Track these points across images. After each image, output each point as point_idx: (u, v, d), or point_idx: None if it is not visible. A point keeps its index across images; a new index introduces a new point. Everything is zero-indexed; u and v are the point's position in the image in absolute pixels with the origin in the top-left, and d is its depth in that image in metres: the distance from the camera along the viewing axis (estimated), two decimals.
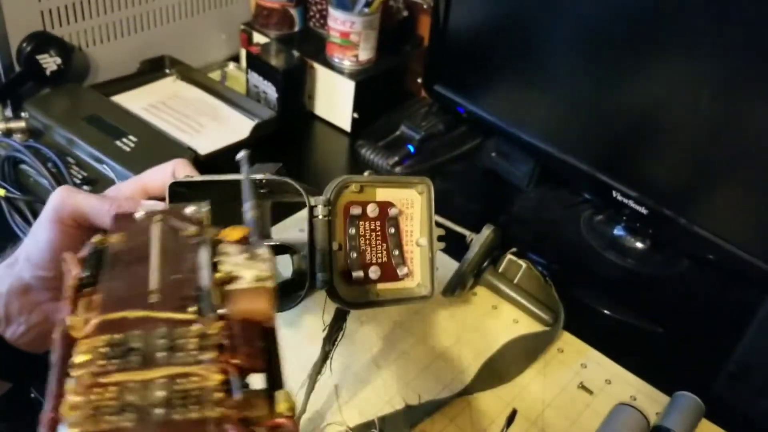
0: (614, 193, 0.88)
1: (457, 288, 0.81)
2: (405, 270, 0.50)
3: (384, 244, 0.50)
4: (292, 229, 0.72)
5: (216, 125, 1.01)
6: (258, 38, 1.20)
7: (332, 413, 0.70)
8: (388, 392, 0.73)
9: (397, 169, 1.06)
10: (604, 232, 0.98)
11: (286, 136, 1.09)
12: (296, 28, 1.22)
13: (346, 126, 1.16)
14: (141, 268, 0.28)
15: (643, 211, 0.86)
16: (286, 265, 0.54)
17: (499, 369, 0.76)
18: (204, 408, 0.22)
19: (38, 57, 0.92)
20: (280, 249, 0.52)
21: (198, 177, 0.48)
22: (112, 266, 0.29)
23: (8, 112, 0.93)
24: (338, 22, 1.09)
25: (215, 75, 1.21)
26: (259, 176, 0.46)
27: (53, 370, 0.24)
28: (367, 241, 0.49)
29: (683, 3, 0.76)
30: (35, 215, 0.84)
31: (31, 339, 0.51)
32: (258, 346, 0.26)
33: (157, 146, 0.89)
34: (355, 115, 1.14)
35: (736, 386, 0.76)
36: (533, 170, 1.04)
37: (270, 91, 1.10)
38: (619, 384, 0.77)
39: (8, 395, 0.52)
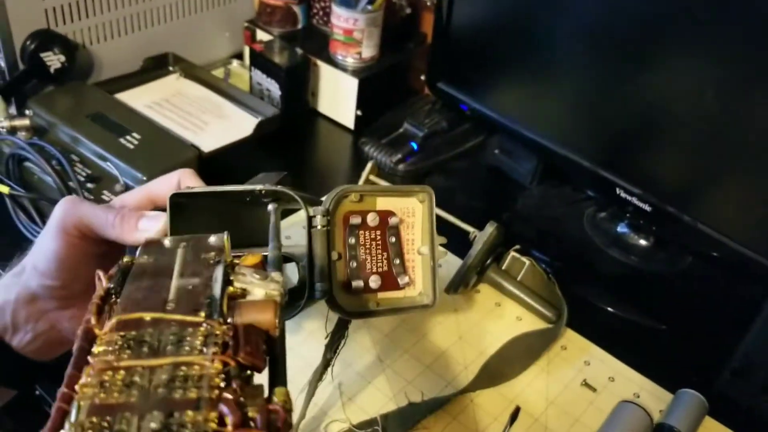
0: (618, 190, 0.88)
1: (460, 285, 0.81)
2: (406, 279, 0.50)
3: (384, 253, 0.50)
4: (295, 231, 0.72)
5: (219, 123, 1.01)
6: (261, 36, 1.20)
7: (335, 410, 0.70)
8: (391, 389, 0.73)
9: (401, 167, 1.06)
10: (607, 230, 0.98)
11: (290, 134, 1.09)
12: (299, 26, 1.22)
13: (350, 123, 1.16)
14: (161, 282, 0.30)
15: (647, 208, 0.86)
16: (293, 273, 0.54)
17: (502, 366, 0.76)
18: (202, 390, 0.24)
19: (42, 55, 0.92)
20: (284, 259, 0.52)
21: (198, 188, 0.48)
22: (136, 279, 0.31)
23: (12, 110, 0.93)
24: (341, 19, 1.09)
25: (219, 72, 1.21)
26: (258, 187, 0.45)
27: (72, 358, 0.26)
28: (368, 251, 0.49)
29: (688, 3, 0.76)
30: (39, 213, 0.84)
31: (37, 347, 0.51)
32: (261, 348, 0.27)
33: (161, 144, 0.89)
34: (359, 113, 1.14)
35: (740, 383, 0.75)
36: (536, 167, 1.04)
37: (273, 88, 1.10)
38: (622, 381, 0.77)
39: (15, 397, 0.52)
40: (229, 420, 0.23)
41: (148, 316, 0.27)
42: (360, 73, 1.13)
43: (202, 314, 0.27)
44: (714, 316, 0.89)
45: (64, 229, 0.48)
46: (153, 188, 0.53)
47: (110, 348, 0.26)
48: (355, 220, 0.48)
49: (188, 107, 1.03)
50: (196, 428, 0.22)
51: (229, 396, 0.24)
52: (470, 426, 0.70)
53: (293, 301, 0.47)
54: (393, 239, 0.50)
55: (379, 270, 0.49)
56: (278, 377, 0.29)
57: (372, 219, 0.49)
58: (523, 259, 0.84)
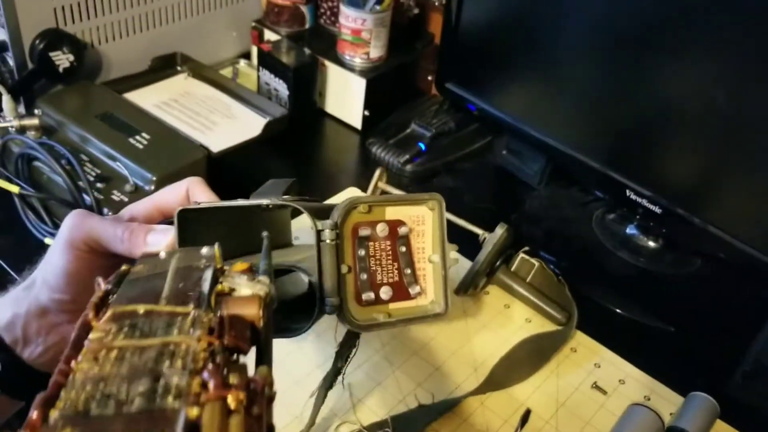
0: (628, 192, 0.87)
1: (469, 287, 0.81)
2: (417, 288, 0.50)
3: (395, 264, 0.49)
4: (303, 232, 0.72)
5: (228, 123, 1.01)
6: (269, 35, 1.20)
7: (345, 412, 0.70)
8: (402, 391, 0.73)
9: (408, 167, 1.06)
10: (616, 231, 0.98)
11: (297, 134, 1.09)
12: (307, 26, 1.22)
13: (357, 124, 1.16)
14: (155, 283, 0.32)
15: (657, 210, 0.85)
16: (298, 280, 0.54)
17: (512, 369, 0.76)
18: (187, 361, 0.25)
19: (51, 54, 0.92)
20: (290, 270, 0.51)
21: (205, 204, 0.47)
22: (132, 282, 0.34)
23: (21, 109, 0.93)
24: (350, 19, 1.09)
25: (226, 72, 1.21)
26: (265, 202, 0.45)
27: (70, 342, 0.28)
28: (378, 262, 0.48)
29: (697, 3, 0.76)
30: (49, 212, 0.84)
31: (48, 359, 0.51)
32: (245, 335, 0.29)
33: (171, 144, 0.89)
34: (366, 113, 1.14)
35: (751, 386, 0.75)
36: (544, 168, 1.04)
37: (281, 88, 1.10)
38: (632, 384, 0.77)
39: (23, 408, 0.52)
40: (211, 384, 0.24)
41: (141, 309, 0.29)
42: (368, 73, 1.13)
43: (191, 306, 0.29)
44: (725, 319, 0.88)
45: (72, 243, 0.48)
46: (161, 198, 0.53)
47: (105, 333, 0.28)
48: (365, 231, 0.47)
49: (196, 107, 1.03)
50: (179, 391, 0.24)
51: (211, 365, 0.25)
52: (481, 428, 0.70)
53: (303, 314, 0.46)
54: (403, 249, 0.50)
55: (390, 281, 0.49)
56: (263, 362, 0.31)
57: (381, 230, 0.48)
58: (533, 260, 0.84)
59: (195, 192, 0.51)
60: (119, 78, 1.05)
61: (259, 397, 0.25)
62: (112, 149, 0.85)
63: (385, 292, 0.48)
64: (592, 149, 0.91)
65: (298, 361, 0.73)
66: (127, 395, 0.24)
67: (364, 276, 0.47)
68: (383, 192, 0.95)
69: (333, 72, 1.15)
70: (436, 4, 1.19)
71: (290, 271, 0.49)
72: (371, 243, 0.48)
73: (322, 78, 1.16)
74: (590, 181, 1.00)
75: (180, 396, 0.24)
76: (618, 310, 0.87)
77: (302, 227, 0.68)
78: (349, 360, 0.58)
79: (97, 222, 0.48)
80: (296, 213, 0.51)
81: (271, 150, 1.05)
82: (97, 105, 0.93)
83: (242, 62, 1.25)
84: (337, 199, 0.97)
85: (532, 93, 0.99)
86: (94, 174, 0.83)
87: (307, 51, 1.11)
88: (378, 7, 1.08)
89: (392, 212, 0.49)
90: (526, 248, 0.85)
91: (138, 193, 0.82)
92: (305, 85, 1.12)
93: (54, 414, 0.23)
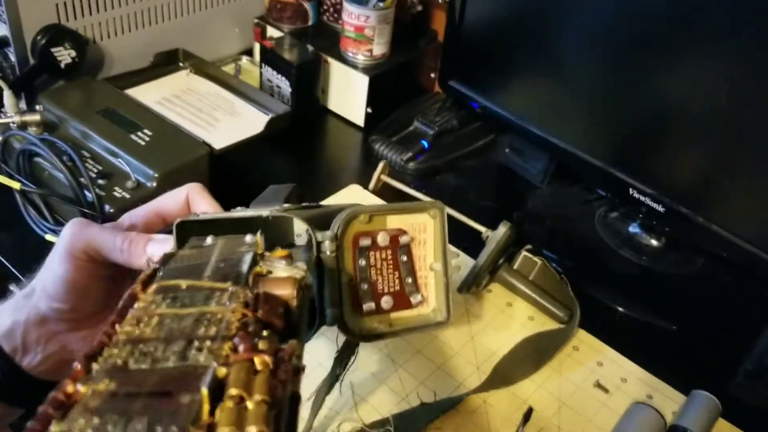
0: (631, 191, 0.87)
1: (472, 285, 0.80)
2: (419, 297, 0.49)
3: (396, 273, 0.49)
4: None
5: (230, 119, 1.01)
6: (271, 32, 1.20)
7: (347, 410, 0.69)
8: (404, 389, 0.72)
9: (411, 165, 1.05)
10: (619, 230, 0.97)
11: (300, 131, 1.09)
12: (310, 22, 1.22)
13: (360, 121, 1.16)
14: (199, 264, 0.35)
15: (660, 209, 0.85)
16: None
17: (514, 367, 0.76)
18: (220, 327, 0.28)
19: (53, 50, 0.92)
20: None
21: (204, 216, 0.47)
22: (178, 262, 0.36)
23: (23, 105, 0.92)
24: (353, 16, 1.09)
25: (228, 69, 1.21)
26: (265, 213, 0.45)
27: (117, 310, 0.30)
28: (379, 271, 0.48)
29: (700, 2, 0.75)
30: (50, 209, 0.84)
31: (47, 368, 0.51)
32: (278, 311, 0.30)
33: (173, 141, 0.89)
34: (369, 110, 1.14)
35: (753, 385, 0.75)
36: (547, 166, 1.04)
37: (284, 85, 1.09)
38: (635, 382, 0.77)
39: (22, 416, 0.52)
40: (240, 348, 0.26)
41: (184, 284, 0.32)
42: (371, 70, 1.12)
43: (230, 283, 0.31)
44: (727, 318, 0.88)
45: (72, 253, 0.47)
46: (161, 205, 0.52)
47: (148, 303, 0.30)
48: (365, 241, 0.46)
49: (199, 103, 1.03)
50: (210, 352, 0.26)
51: (242, 333, 0.27)
52: (483, 426, 0.70)
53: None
54: (404, 258, 0.49)
55: (391, 290, 0.48)
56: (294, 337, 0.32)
57: (382, 239, 0.47)
58: (535, 258, 0.84)
59: (195, 198, 0.51)
60: (121, 74, 1.05)
61: (286, 364, 0.26)
62: (114, 145, 0.84)
63: (386, 302, 0.48)
64: (595, 148, 0.91)
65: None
66: (163, 354, 0.26)
67: (365, 286, 0.47)
68: (386, 185, 0.95)
69: (336, 69, 1.14)
70: (440, 1, 1.18)
71: None
72: (372, 252, 0.47)
73: (324, 75, 1.15)
74: (593, 180, 1.00)
75: (211, 356, 0.26)
76: (620, 309, 0.87)
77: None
78: (347, 367, 0.58)
79: (97, 231, 0.48)
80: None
81: (274, 147, 1.05)
82: (99, 101, 0.93)
83: (244, 59, 1.25)
84: (339, 197, 0.98)
85: (535, 91, 0.98)
86: (95, 170, 0.83)
87: (310, 48, 1.11)
88: (381, 4, 1.08)
89: (393, 221, 0.48)
90: (529, 246, 0.85)
91: (140, 190, 0.82)
92: (308, 82, 1.12)
93: (95, 366, 0.26)
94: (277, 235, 0.47)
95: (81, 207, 0.79)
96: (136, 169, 0.83)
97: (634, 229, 0.96)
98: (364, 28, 1.09)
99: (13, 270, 0.82)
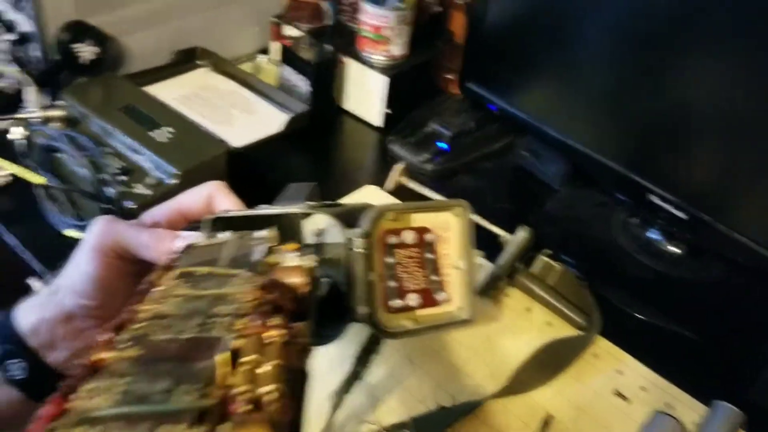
0: (650, 196, 0.87)
1: (490, 289, 0.80)
2: (444, 295, 0.49)
3: (422, 271, 0.49)
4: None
5: (249, 118, 1.01)
6: (289, 31, 1.20)
7: (365, 412, 0.69)
8: (422, 392, 0.72)
9: (428, 166, 1.05)
10: (637, 235, 0.97)
11: (316, 131, 1.09)
12: (327, 22, 1.21)
13: (377, 121, 1.15)
14: (215, 253, 0.38)
15: (680, 215, 0.85)
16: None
17: (534, 373, 0.76)
18: (236, 308, 0.30)
19: (75, 46, 0.92)
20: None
21: (233, 213, 0.47)
22: (196, 252, 0.39)
23: (45, 101, 0.93)
24: (371, 16, 1.09)
25: (245, 67, 1.21)
26: (294, 210, 0.45)
27: (138, 293, 0.32)
28: (405, 269, 0.48)
29: (721, 2, 0.75)
30: (71, 204, 0.84)
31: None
32: (289, 296, 0.33)
33: (193, 138, 0.89)
34: (388, 111, 1.13)
35: None
36: (565, 169, 1.03)
37: (301, 84, 1.09)
38: (655, 391, 0.76)
39: None
40: (254, 324, 0.28)
41: (201, 270, 0.35)
42: (388, 71, 1.12)
43: (244, 270, 0.34)
44: (749, 326, 0.88)
45: (100, 250, 0.47)
46: (184, 203, 0.52)
47: (168, 287, 0.33)
48: (392, 239, 0.47)
49: (217, 101, 1.03)
50: (226, 326, 0.28)
51: (256, 311, 0.30)
52: None
53: (329, 320, 0.46)
54: (429, 256, 0.49)
55: (417, 288, 0.49)
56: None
57: (408, 237, 0.48)
58: (554, 263, 0.84)
59: (217, 196, 0.51)
60: (141, 71, 1.05)
61: (296, 340, 0.29)
62: (135, 142, 0.84)
63: (412, 299, 0.48)
64: (614, 152, 0.91)
65: (317, 356, 0.73)
66: (183, 327, 0.29)
67: (392, 283, 0.47)
68: (402, 187, 0.95)
69: (353, 69, 1.14)
70: (459, 2, 1.18)
71: None
72: (399, 250, 0.48)
73: (341, 75, 1.15)
74: (612, 184, 1.00)
75: (226, 330, 0.28)
76: (639, 316, 0.87)
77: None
78: (368, 366, 0.58)
79: (124, 228, 0.48)
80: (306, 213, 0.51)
81: (291, 146, 1.05)
82: (121, 97, 0.92)
83: (261, 57, 1.25)
84: (355, 198, 0.98)
85: (554, 94, 0.98)
86: (116, 167, 0.83)
87: (328, 47, 1.11)
88: (400, 5, 1.08)
89: (418, 219, 0.49)
90: (548, 251, 0.85)
91: (160, 187, 0.82)
92: (326, 81, 1.12)
93: (120, 337, 0.28)
94: (285, 234, 0.47)
95: (102, 203, 0.79)
96: (156, 166, 0.83)
97: (653, 234, 0.96)
98: (382, 28, 1.09)
99: (32, 265, 0.82)
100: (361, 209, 0.50)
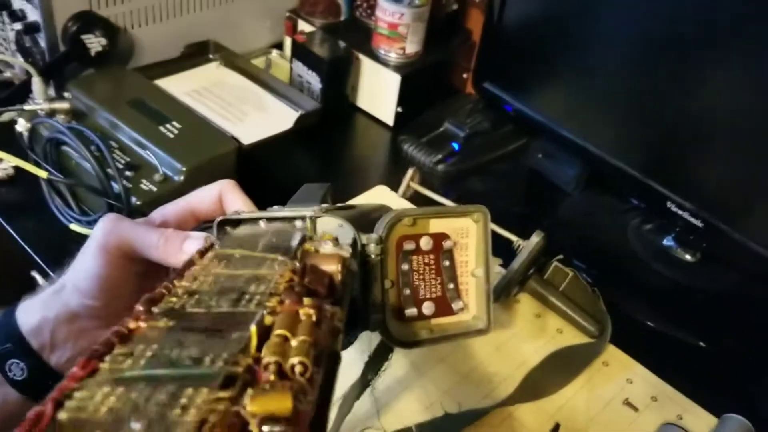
0: (668, 204, 0.85)
1: (501, 295, 0.79)
2: (460, 304, 0.48)
3: (438, 278, 0.47)
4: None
5: (259, 114, 1.00)
6: (303, 26, 1.18)
7: (370, 417, 0.68)
8: (428, 398, 0.71)
9: (440, 167, 1.03)
10: (652, 242, 0.95)
11: (328, 128, 1.07)
12: (342, 17, 1.20)
13: (389, 120, 1.14)
14: (253, 239, 0.39)
15: (698, 223, 0.83)
16: None
17: (542, 380, 0.74)
18: (269, 286, 0.31)
19: (83, 37, 0.91)
20: None
21: (245, 214, 0.46)
22: (233, 238, 0.40)
23: (51, 92, 0.91)
24: (387, 13, 1.07)
25: (258, 62, 1.19)
26: (307, 213, 0.43)
27: (178, 270, 0.34)
28: (421, 276, 0.46)
29: (746, 5, 0.73)
30: (75, 198, 0.83)
31: None
32: (323, 282, 0.32)
33: (201, 134, 0.87)
34: (399, 109, 1.12)
35: None
36: (580, 174, 1.01)
37: (314, 81, 1.08)
38: (665, 402, 0.74)
39: None
40: (287, 301, 0.29)
41: (238, 253, 0.36)
42: (402, 68, 1.10)
43: (279, 254, 0.34)
44: (762, 338, 0.86)
45: (105, 249, 0.46)
46: (194, 202, 0.51)
47: (206, 266, 0.35)
48: (409, 245, 0.45)
49: (228, 97, 1.02)
50: (259, 302, 0.29)
51: (289, 290, 0.30)
52: None
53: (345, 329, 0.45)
54: (447, 263, 0.48)
55: (433, 296, 0.47)
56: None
57: (425, 243, 0.46)
58: (566, 269, 0.82)
59: (228, 195, 0.50)
60: (151, 64, 1.03)
61: (328, 321, 0.29)
62: (142, 137, 0.83)
63: (427, 308, 0.46)
64: (632, 157, 0.89)
65: None
66: (216, 303, 0.30)
67: (407, 291, 0.46)
68: (415, 192, 0.94)
69: (367, 66, 1.13)
70: (477, 0, 1.16)
71: None
72: (415, 257, 0.46)
73: (355, 72, 1.14)
74: (628, 190, 0.97)
75: (260, 306, 0.29)
76: (651, 324, 0.85)
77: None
78: (380, 373, 0.56)
79: (132, 227, 0.47)
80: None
81: (301, 143, 1.03)
82: (129, 91, 0.91)
83: (274, 52, 1.23)
84: (366, 197, 0.96)
85: (571, 96, 0.96)
86: (123, 162, 0.81)
87: (341, 44, 1.09)
88: (417, 2, 1.06)
89: (436, 225, 0.47)
90: (560, 257, 0.83)
91: (167, 183, 0.80)
92: (338, 78, 1.10)
93: (155, 310, 0.29)
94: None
95: (107, 198, 0.78)
96: (163, 162, 0.82)
97: (668, 242, 0.94)
98: (398, 25, 1.07)
99: (37, 258, 0.82)
100: (375, 212, 0.48)
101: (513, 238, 0.80)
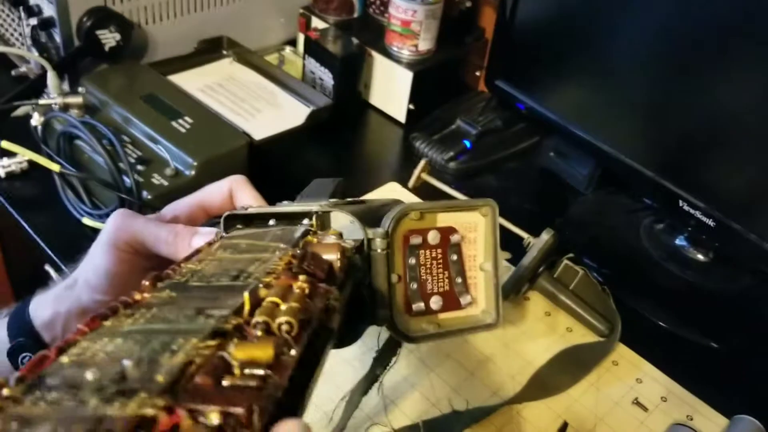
0: (681, 203, 0.84)
1: (511, 292, 0.78)
2: (468, 298, 0.47)
3: (446, 272, 0.47)
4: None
5: (271, 110, 1.00)
6: (316, 23, 1.18)
7: (377, 414, 0.68)
8: (435, 395, 0.71)
9: (452, 165, 1.03)
10: (664, 242, 0.94)
11: (340, 125, 1.07)
12: (355, 14, 1.20)
13: (401, 117, 1.14)
14: (259, 233, 0.41)
15: (711, 223, 0.82)
16: None
17: (550, 379, 0.74)
18: (268, 265, 0.33)
19: (98, 32, 0.91)
20: None
21: (253, 210, 0.46)
22: (241, 231, 0.43)
23: (65, 87, 0.92)
24: (400, 10, 1.07)
25: (271, 58, 1.20)
26: (315, 208, 0.43)
27: (183, 258, 0.37)
28: (428, 271, 0.46)
29: (764, 7, 0.72)
30: (88, 192, 0.84)
31: None
32: (323, 267, 0.34)
33: (213, 130, 0.88)
34: (411, 107, 1.12)
35: None
36: (593, 172, 1.01)
37: (326, 77, 1.08)
38: (675, 402, 0.74)
39: None
40: (283, 276, 0.31)
41: (244, 242, 0.38)
42: (415, 65, 1.10)
43: (283, 244, 0.36)
44: None
45: (115, 244, 0.47)
46: (205, 197, 0.52)
47: (212, 251, 0.37)
48: (416, 239, 0.45)
49: (240, 93, 1.02)
50: (256, 278, 0.31)
51: (286, 269, 0.32)
52: None
53: (351, 324, 0.44)
54: (454, 257, 0.47)
55: (441, 290, 0.47)
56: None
57: (433, 237, 0.46)
58: (577, 268, 0.82)
59: (238, 191, 0.51)
60: (164, 59, 1.04)
61: (321, 297, 0.31)
62: (155, 132, 0.84)
63: (435, 302, 0.46)
64: (644, 156, 0.88)
65: (330, 359, 0.72)
66: (217, 279, 0.32)
67: (414, 285, 0.45)
68: (426, 184, 0.93)
69: (379, 63, 1.13)
70: None
71: None
72: (422, 251, 0.46)
73: (367, 69, 1.14)
74: (641, 189, 0.97)
75: (256, 281, 0.31)
76: (662, 324, 0.84)
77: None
78: (388, 368, 0.56)
79: (142, 223, 0.47)
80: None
81: (313, 139, 1.03)
82: (142, 86, 0.92)
83: (287, 49, 1.23)
84: (378, 194, 0.96)
85: (585, 94, 0.95)
86: (135, 156, 0.82)
87: (354, 41, 1.09)
88: None
89: (444, 219, 0.47)
90: (571, 255, 0.82)
91: (178, 178, 0.81)
92: (351, 75, 1.10)
93: (160, 284, 0.32)
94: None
95: (119, 192, 0.78)
96: (175, 157, 0.82)
97: (680, 241, 0.93)
98: (411, 22, 1.07)
99: (49, 251, 0.82)
100: (386, 207, 0.48)
101: (524, 235, 0.80)
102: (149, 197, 0.78)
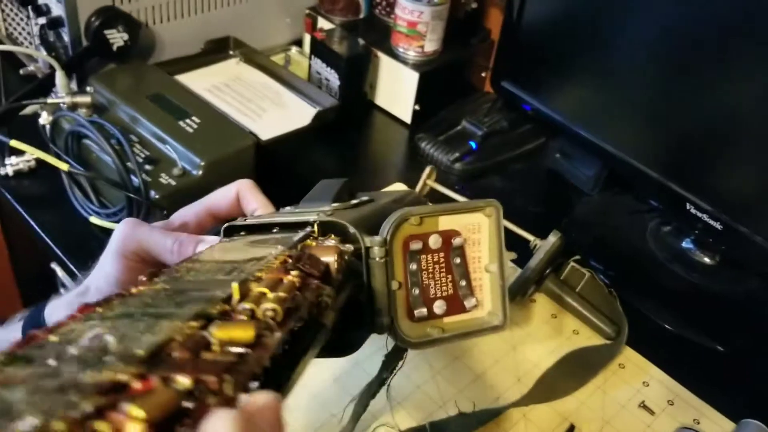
0: (688, 206, 0.84)
1: (517, 295, 0.78)
2: (473, 301, 0.47)
3: (449, 276, 0.46)
4: None
5: (278, 110, 1.00)
6: (322, 23, 1.18)
7: (383, 414, 0.68)
8: (441, 397, 0.71)
9: (457, 166, 1.03)
10: (671, 244, 0.94)
11: (346, 125, 1.07)
12: (362, 15, 1.20)
13: (407, 118, 1.14)
14: (263, 240, 0.42)
15: (718, 226, 0.82)
16: None
17: (557, 382, 0.74)
18: (263, 262, 0.34)
19: (106, 32, 0.91)
20: None
21: (251, 220, 0.46)
22: (244, 237, 0.45)
23: (74, 86, 0.92)
24: (406, 11, 1.07)
25: (277, 59, 1.20)
26: (312, 218, 0.43)
27: (184, 260, 0.39)
28: (430, 275, 0.45)
29: None
30: (96, 191, 0.84)
31: None
32: (319, 268, 0.35)
33: (220, 130, 0.88)
34: (417, 107, 1.12)
35: None
36: (599, 174, 1.01)
37: (332, 78, 1.08)
38: (681, 405, 0.74)
39: None
40: (275, 270, 0.33)
41: (242, 245, 0.40)
42: (421, 66, 1.10)
43: (281, 246, 0.37)
44: None
45: (123, 253, 0.48)
46: (212, 202, 0.53)
47: (210, 253, 0.39)
48: (416, 245, 0.44)
49: (247, 93, 1.02)
50: (249, 273, 0.32)
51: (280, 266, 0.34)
52: None
53: (352, 332, 0.44)
54: (458, 260, 0.47)
55: (444, 294, 0.46)
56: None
57: (434, 242, 0.45)
58: (584, 270, 0.81)
59: (246, 196, 0.51)
60: (171, 59, 1.04)
61: (312, 291, 0.32)
62: (162, 131, 0.84)
63: (438, 307, 0.46)
64: (651, 158, 0.88)
65: (338, 361, 0.72)
66: (213, 275, 0.33)
67: (416, 291, 0.45)
68: (432, 190, 0.93)
69: (385, 64, 1.13)
70: None
71: None
72: (423, 256, 0.45)
73: (373, 69, 1.14)
74: (648, 192, 0.97)
75: (248, 274, 0.31)
76: (668, 327, 0.84)
77: None
78: (395, 372, 0.56)
79: (148, 232, 0.48)
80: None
81: (319, 140, 1.03)
82: (149, 85, 0.92)
83: (294, 49, 1.24)
84: None
85: (591, 96, 0.95)
86: (142, 155, 0.82)
87: (360, 41, 1.10)
88: (436, 0, 1.06)
89: (445, 222, 0.46)
90: (577, 257, 0.82)
91: (185, 178, 0.81)
92: (357, 76, 1.10)
93: (156, 279, 0.34)
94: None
95: (127, 191, 0.78)
96: (182, 157, 0.82)
97: (687, 244, 0.93)
98: (417, 23, 1.07)
99: (57, 250, 0.82)
100: (397, 202, 0.48)
101: (530, 237, 0.80)
102: (157, 197, 0.78)
